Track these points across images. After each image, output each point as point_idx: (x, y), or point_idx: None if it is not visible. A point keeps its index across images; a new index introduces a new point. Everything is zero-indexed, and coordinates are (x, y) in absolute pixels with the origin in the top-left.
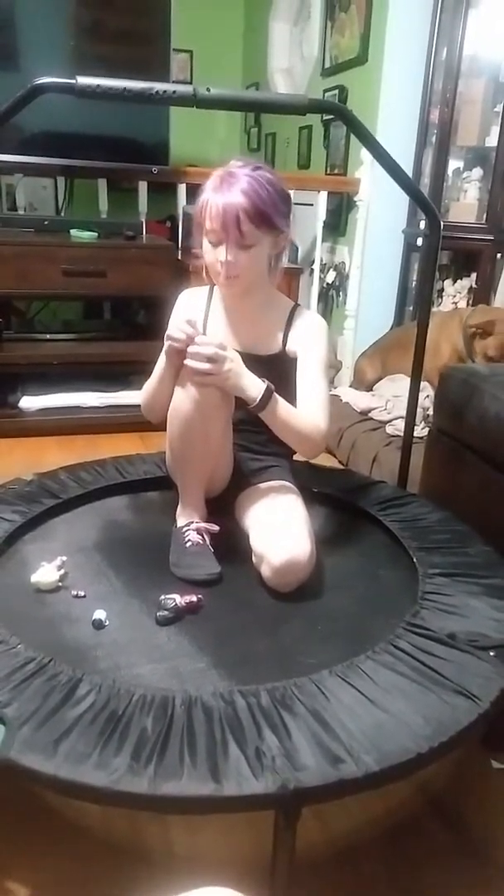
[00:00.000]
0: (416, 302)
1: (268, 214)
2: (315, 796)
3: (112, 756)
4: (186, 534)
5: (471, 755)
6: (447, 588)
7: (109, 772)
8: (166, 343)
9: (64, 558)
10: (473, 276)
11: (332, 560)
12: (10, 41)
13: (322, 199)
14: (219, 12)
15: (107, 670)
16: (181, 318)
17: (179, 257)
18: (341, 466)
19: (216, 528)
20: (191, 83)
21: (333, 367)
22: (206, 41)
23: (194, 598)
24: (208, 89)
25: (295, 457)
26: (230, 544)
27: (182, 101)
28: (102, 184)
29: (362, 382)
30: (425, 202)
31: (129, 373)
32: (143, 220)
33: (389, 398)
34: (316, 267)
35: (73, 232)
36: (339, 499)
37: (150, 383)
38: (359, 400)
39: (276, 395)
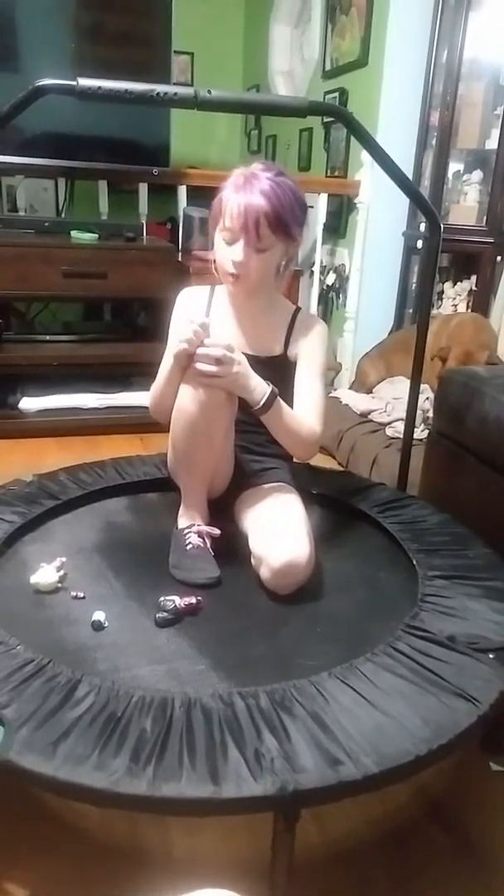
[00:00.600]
0: (416, 304)
1: (286, 221)
2: (314, 798)
3: (111, 757)
4: (187, 536)
5: (470, 758)
6: (447, 590)
7: (108, 773)
8: (177, 345)
9: (63, 559)
10: (473, 278)
11: (332, 562)
12: (11, 43)
13: (322, 201)
14: (219, 14)
15: (106, 672)
16: (191, 320)
17: (180, 259)
18: (341, 468)
19: (217, 531)
20: (191, 85)
21: (333, 368)
22: (207, 43)
23: (194, 600)
24: (210, 91)
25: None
26: (230, 546)
27: (183, 103)
28: (103, 185)
29: (364, 384)
30: (425, 204)
31: (128, 374)
32: (144, 222)
33: (389, 400)
34: (316, 269)
35: (74, 233)
36: (338, 501)
37: (158, 384)
38: (358, 402)
39: (279, 399)
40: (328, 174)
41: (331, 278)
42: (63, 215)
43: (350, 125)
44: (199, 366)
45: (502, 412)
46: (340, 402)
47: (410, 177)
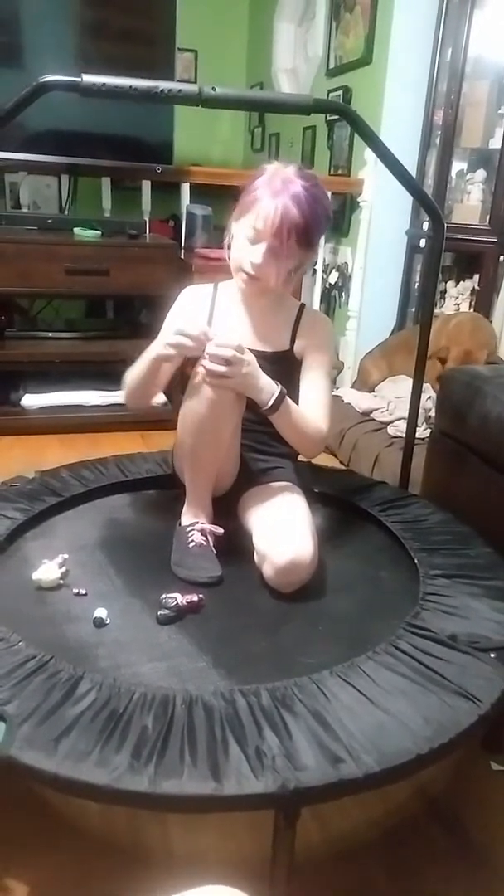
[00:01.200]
0: (418, 303)
1: (313, 236)
2: (315, 796)
3: (112, 754)
4: (190, 534)
5: (470, 757)
6: (448, 589)
7: (110, 770)
8: (173, 337)
9: (65, 556)
10: (476, 277)
11: (334, 561)
12: (15, 40)
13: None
14: (223, 12)
15: (107, 669)
16: (191, 318)
17: (182, 256)
18: (343, 467)
19: (220, 530)
20: (195, 82)
21: (336, 367)
22: (211, 41)
23: (195, 598)
24: (214, 88)
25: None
26: (233, 544)
27: (187, 101)
28: (106, 182)
29: (366, 383)
30: (429, 203)
31: None
32: (147, 219)
33: (391, 399)
34: (319, 267)
35: (77, 230)
36: (340, 499)
37: (140, 373)
38: (361, 401)
39: (287, 399)
40: (331, 173)
41: (334, 277)
42: (66, 212)
43: (354, 123)
44: (209, 365)
45: None
46: (342, 400)
47: (414, 176)
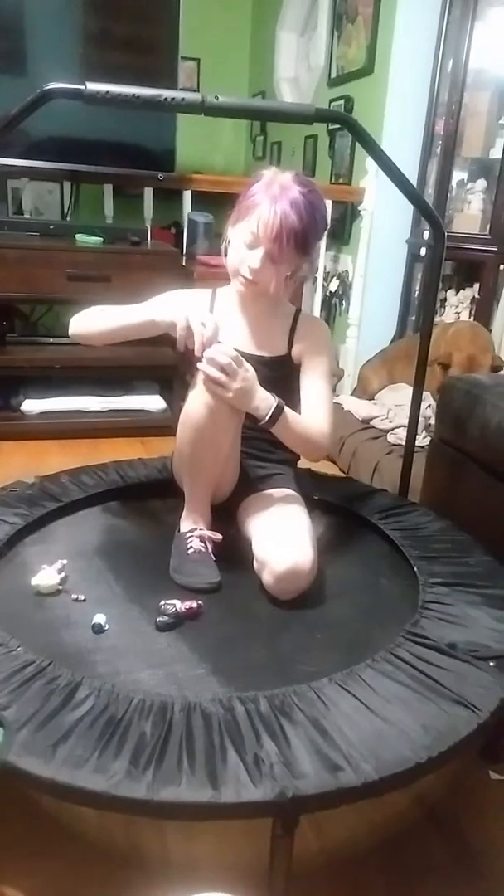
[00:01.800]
0: (418, 311)
1: (310, 242)
2: (313, 804)
3: (110, 761)
4: (189, 540)
5: (469, 766)
6: (448, 597)
7: (108, 776)
8: (178, 319)
9: (64, 562)
10: (476, 286)
11: (333, 568)
12: (20, 47)
13: (326, 207)
14: (226, 21)
15: (106, 675)
16: (203, 320)
17: (184, 264)
18: (342, 474)
19: (219, 536)
20: (197, 91)
21: (335, 375)
22: (214, 50)
23: (194, 605)
24: (216, 97)
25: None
26: (232, 551)
27: (190, 109)
28: (108, 189)
29: (366, 391)
30: (430, 212)
31: (130, 378)
32: (149, 226)
33: (391, 407)
34: (319, 275)
35: (79, 237)
36: (340, 507)
37: (114, 325)
38: (360, 408)
39: (285, 409)
40: (332, 181)
41: (334, 285)
42: (68, 218)
43: (356, 132)
44: (205, 368)
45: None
46: (342, 408)
47: (414, 185)
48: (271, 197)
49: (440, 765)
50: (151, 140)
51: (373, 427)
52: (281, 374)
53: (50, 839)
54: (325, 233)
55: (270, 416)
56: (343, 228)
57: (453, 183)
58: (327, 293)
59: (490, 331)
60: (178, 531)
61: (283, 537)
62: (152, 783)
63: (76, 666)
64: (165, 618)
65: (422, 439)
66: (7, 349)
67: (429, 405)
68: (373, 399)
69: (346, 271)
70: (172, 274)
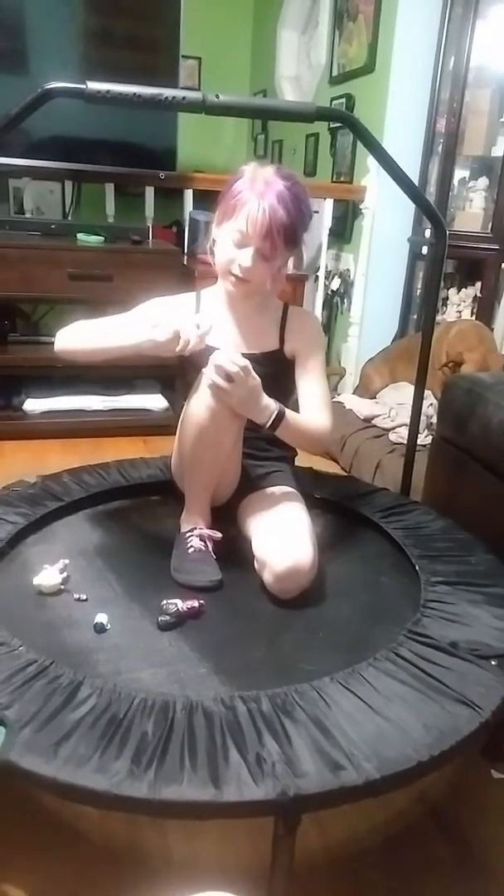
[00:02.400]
0: (420, 310)
1: (299, 235)
2: (315, 803)
3: (112, 760)
4: (189, 539)
5: (470, 765)
6: (449, 596)
7: (109, 775)
8: (167, 331)
9: (66, 561)
10: (478, 285)
11: (334, 567)
12: (21, 47)
13: (328, 206)
14: (228, 20)
15: (108, 674)
16: (195, 322)
17: (185, 262)
18: (344, 473)
19: (219, 535)
20: (199, 90)
21: (337, 373)
22: (215, 48)
23: (196, 604)
24: (217, 96)
25: (297, 459)
26: (233, 550)
27: (191, 108)
28: (109, 188)
29: (368, 390)
30: (431, 210)
31: (132, 377)
32: (150, 225)
33: (393, 406)
34: (321, 274)
35: (80, 236)
36: (341, 505)
37: (103, 345)
38: (362, 407)
39: (286, 413)
40: (334, 180)
41: (335, 283)
42: (69, 218)
43: (357, 131)
44: (211, 375)
45: None
46: (344, 406)
47: (416, 183)
48: (257, 194)
49: (442, 764)
50: (152, 139)
51: (374, 426)
52: (275, 370)
53: (52, 838)
54: (311, 222)
55: (271, 424)
56: (344, 227)
57: (455, 181)
58: (329, 292)
59: (492, 329)
60: (179, 531)
61: (282, 536)
62: (154, 782)
63: (78, 665)
64: (167, 617)
65: (423, 438)
66: (9, 348)
67: (430, 404)
68: (374, 398)
69: (348, 270)
70: (174, 273)
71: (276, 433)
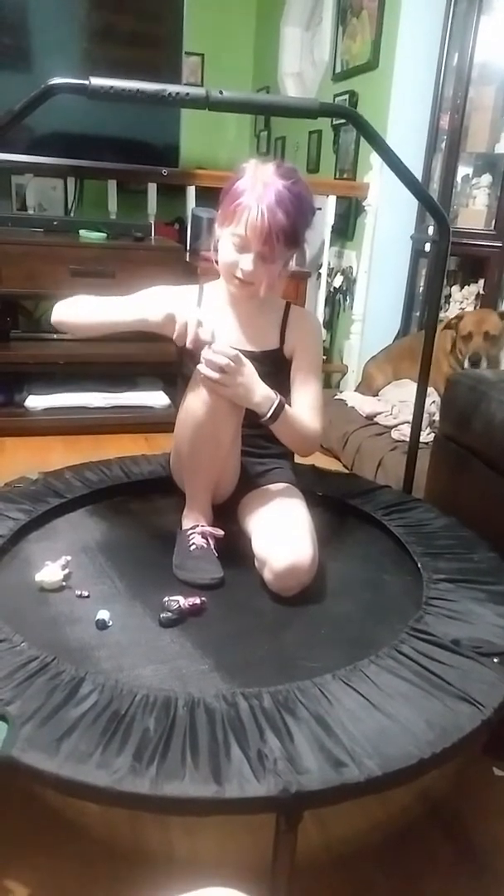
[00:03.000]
0: (423, 307)
1: (300, 235)
2: (317, 800)
3: (114, 756)
4: (191, 537)
5: (472, 762)
6: (452, 594)
7: (111, 771)
8: (164, 318)
9: (68, 558)
10: (481, 282)
11: (336, 564)
12: (24, 43)
13: (331, 203)
14: (230, 16)
15: (110, 670)
16: (200, 321)
17: (188, 259)
18: (346, 470)
19: (221, 532)
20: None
21: (339, 371)
22: (218, 45)
23: (198, 601)
24: (221, 92)
25: (298, 458)
26: (234, 547)
27: (194, 103)
28: (112, 185)
29: (370, 388)
30: (435, 207)
31: (134, 374)
32: (152, 222)
33: (395, 403)
34: (323, 271)
35: (82, 232)
36: (343, 503)
37: (101, 313)
38: (364, 404)
39: (286, 406)
40: (337, 176)
41: (338, 280)
42: (72, 214)
43: (360, 127)
44: (204, 370)
45: None
46: (346, 404)
47: (419, 180)
48: (256, 197)
49: (444, 761)
50: (155, 135)
51: (377, 423)
52: (273, 370)
53: (54, 834)
54: (313, 218)
55: (272, 413)
56: (347, 224)
57: (458, 178)
58: (331, 289)
59: None
60: (181, 528)
61: (282, 534)
62: (156, 778)
63: (80, 661)
64: (169, 614)
65: (426, 435)
66: (11, 345)
67: (433, 401)
68: (377, 395)
69: (351, 267)
70: (176, 269)
71: (275, 427)
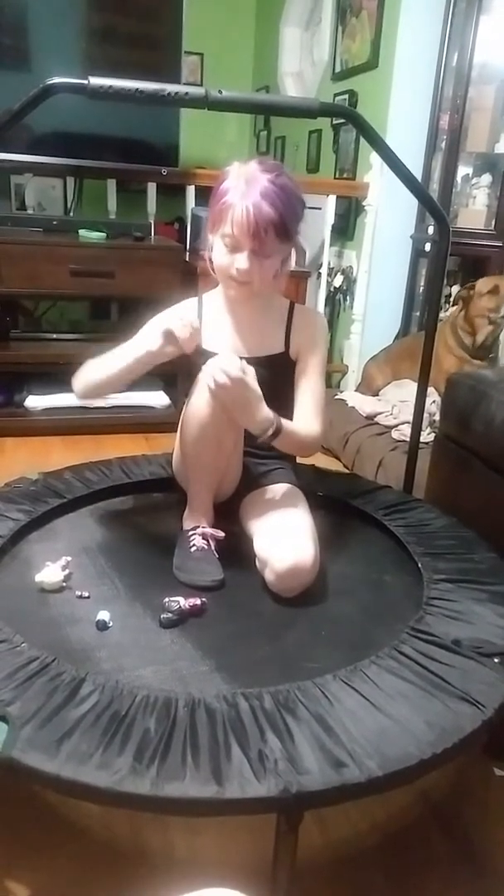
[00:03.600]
0: (423, 307)
1: (291, 228)
2: (317, 800)
3: (115, 756)
4: (192, 538)
5: (473, 762)
6: (452, 594)
7: (112, 772)
8: (160, 338)
9: (68, 558)
10: None
11: (337, 565)
12: (23, 43)
13: (330, 202)
14: (230, 16)
15: (110, 671)
16: (181, 318)
17: (187, 259)
18: (346, 471)
19: (222, 534)
20: (201, 86)
21: (339, 370)
22: (217, 44)
23: (198, 602)
24: (220, 91)
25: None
26: (235, 548)
27: (194, 103)
28: (111, 185)
29: (370, 388)
30: (435, 207)
31: None
32: (152, 222)
33: (395, 403)
34: (324, 271)
35: (82, 232)
36: (344, 503)
37: (117, 370)
38: (365, 404)
39: (283, 427)
40: (337, 176)
41: (338, 280)
42: (71, 214)
43: (360, 127)
44: (207, 380)
45: None
46: (346, 404)
47: (419, 180)
48: (240, 195)
49: (444, 762)
50: (155, 135)
51: (377, 423)
52: (279, 373)
53: (54, 835)
54: (304, 210)
55: (269, 437)
56: (347, 224)
57: (458, 178)
58: (331, 289)
59: None
60: (181, 529)
61: (283, 535)
62: (156, 779)
63: (80, 662)
64: (169, 615)
65: (426, 435)
66: (11, 345)
67: (433, 401)
68: (377, 395)
69: (351, 267)
70: (176, 269)
71: (272, 444)
